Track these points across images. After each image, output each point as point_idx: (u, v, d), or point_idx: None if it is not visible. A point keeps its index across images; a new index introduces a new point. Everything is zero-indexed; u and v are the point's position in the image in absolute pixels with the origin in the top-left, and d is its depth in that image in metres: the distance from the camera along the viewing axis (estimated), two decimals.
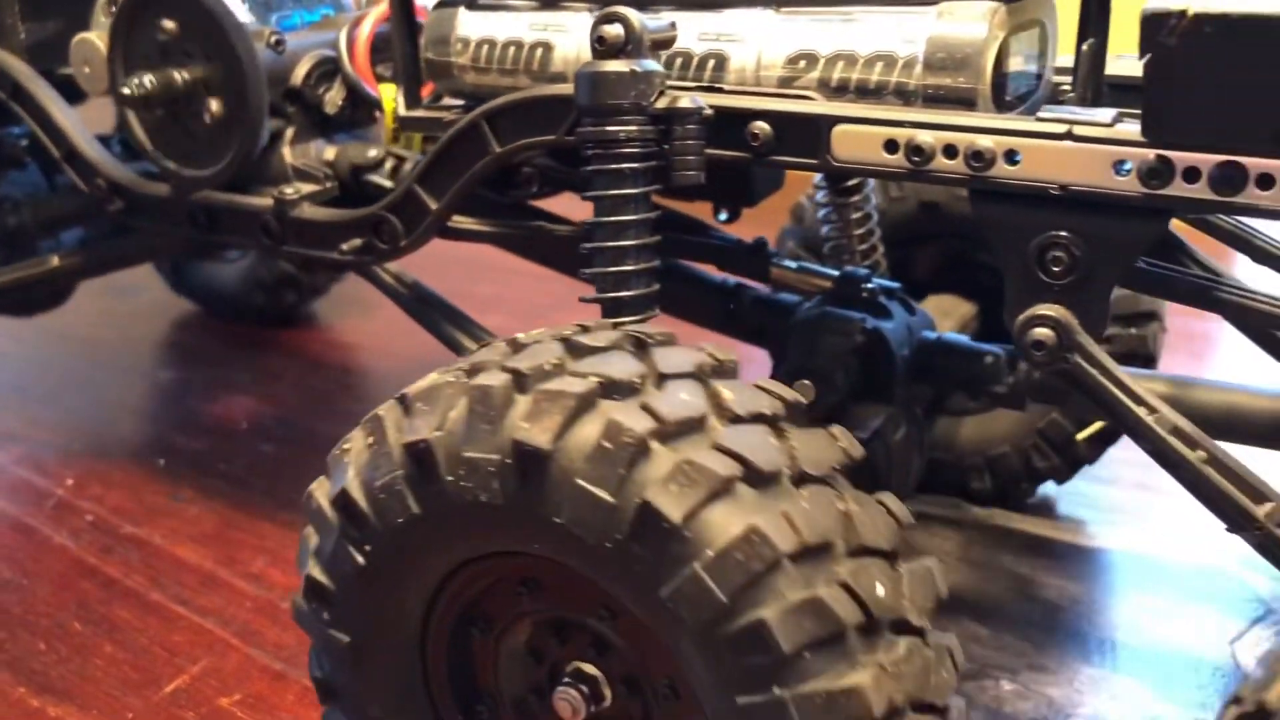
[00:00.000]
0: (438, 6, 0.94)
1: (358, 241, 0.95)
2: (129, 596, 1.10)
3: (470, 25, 0.92)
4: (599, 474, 0.56)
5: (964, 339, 0.94)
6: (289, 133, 1.02)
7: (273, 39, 0.99)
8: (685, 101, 0.75)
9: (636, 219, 0.76)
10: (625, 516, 0.56)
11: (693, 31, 0.82)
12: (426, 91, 0.96)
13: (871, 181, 1.07)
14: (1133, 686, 0.95)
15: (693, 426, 0.57)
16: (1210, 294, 0.78)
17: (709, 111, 0.75)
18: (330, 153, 1.04)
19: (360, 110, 1.05)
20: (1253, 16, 0.58)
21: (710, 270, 1.05)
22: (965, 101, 0.73)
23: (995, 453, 1.17)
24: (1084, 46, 0.75)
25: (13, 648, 1.04)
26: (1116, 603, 1.08)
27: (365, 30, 1.03)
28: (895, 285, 0.93)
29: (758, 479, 0.56)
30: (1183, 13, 0.59)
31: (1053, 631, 1.02)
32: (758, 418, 0.59)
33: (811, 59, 0.78)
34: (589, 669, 0.67)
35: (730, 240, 1.00)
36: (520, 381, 0.59)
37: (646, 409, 0.57)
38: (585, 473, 0.56)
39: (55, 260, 1.19)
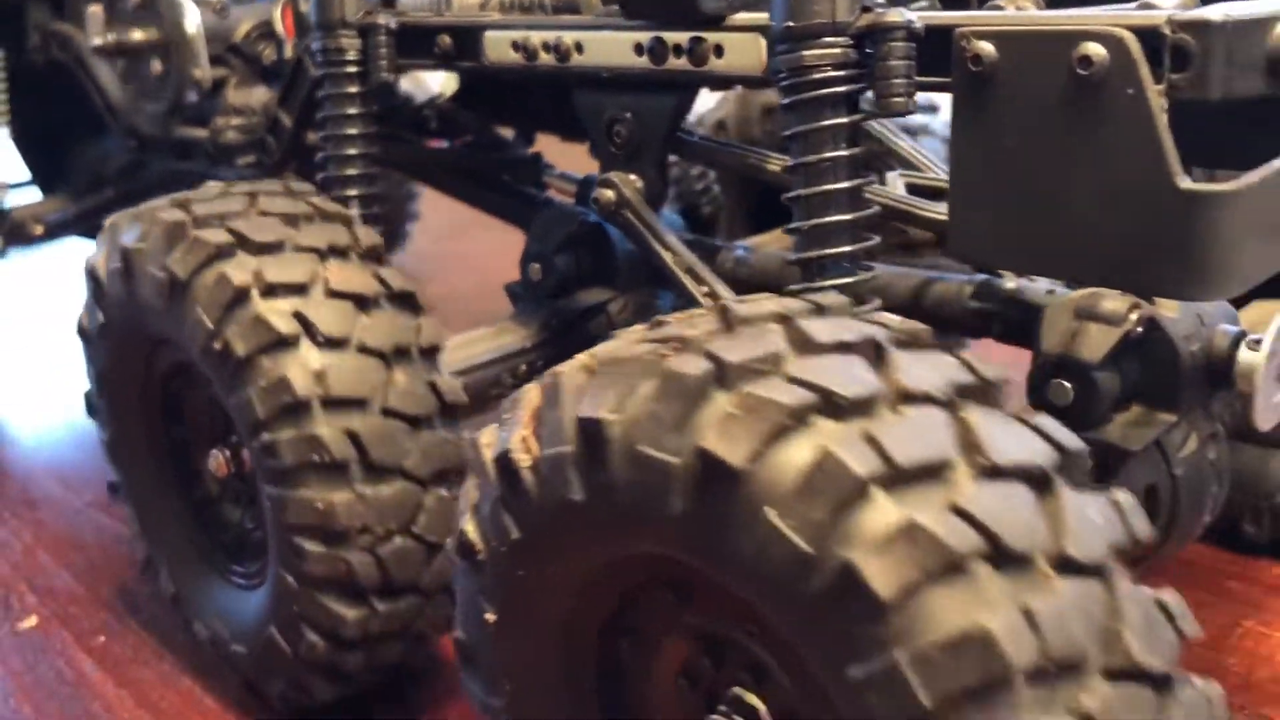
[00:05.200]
0: None
1: (251, 157, 1.22)
2: None
3: None
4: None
5: (692, 235, 1.08)
6: (233, 80, 1.30)
7: (218, 5, 1.27)
8: (380, 19, 0.95)
9: (355, 112, 0.98)
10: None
11: None
12: None
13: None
14: None
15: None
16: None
17: (394, 25, 0.95)
18: (266, 96, 1.31)
19: None
20: None
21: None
22: (574, 9, 0.89)
23: None
24: None
25: None
26: None
27: None
28: None
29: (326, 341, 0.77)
30: None
31: None
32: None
33: None
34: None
35: (521, 155, 1.18)
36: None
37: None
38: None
39: (110, 193, 1.53)
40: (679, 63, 0.79)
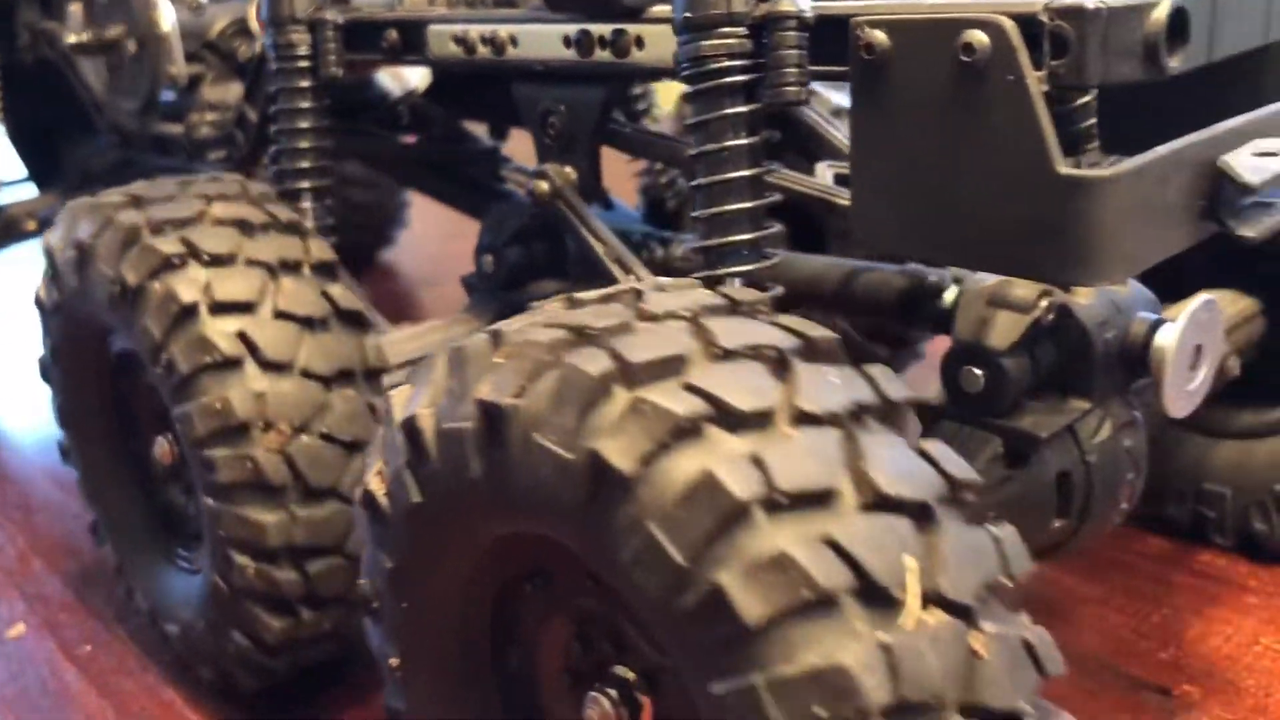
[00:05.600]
0: None
1: (222, 152, 1.24)
2: None
3: None
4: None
5: (645, 228, 1.09)
6: (209, 76, 1.32)
7: (193, 2, 1.30)
8: (328, 14, 0.97)
9: (306, 107, 0.99)
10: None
11: None
12: None
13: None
14: None
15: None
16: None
17: (342, 21, 0.97)
18: (242, 92, 1.33)
19: None
20: None
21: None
22: (512, 3, 0.91)
23: None
24: None
25: None
26: None
27: None
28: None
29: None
30: None
31: None
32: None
33: None
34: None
35: (479, 148, 1.20)
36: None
37: None
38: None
39: (100, 189, 1.56)
40: (604, 55, 0.80)
